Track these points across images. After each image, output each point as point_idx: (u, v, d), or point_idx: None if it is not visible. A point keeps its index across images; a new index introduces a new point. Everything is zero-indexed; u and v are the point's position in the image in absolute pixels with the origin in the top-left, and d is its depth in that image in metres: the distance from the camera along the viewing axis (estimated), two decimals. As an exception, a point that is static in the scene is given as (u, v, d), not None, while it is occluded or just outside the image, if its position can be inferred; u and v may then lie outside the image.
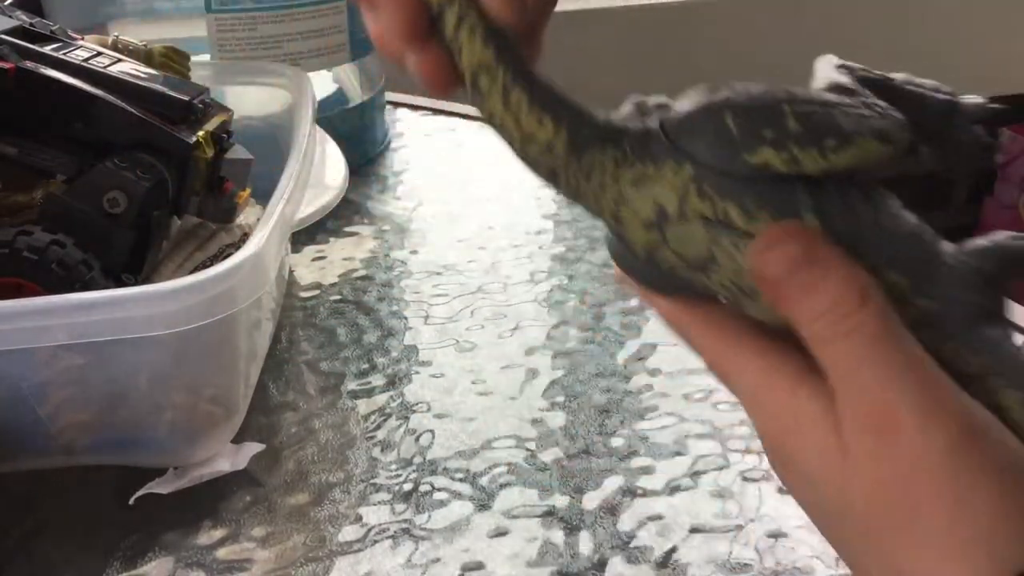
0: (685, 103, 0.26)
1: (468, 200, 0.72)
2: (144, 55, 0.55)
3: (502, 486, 0.45)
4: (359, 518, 0.43)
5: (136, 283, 0.46)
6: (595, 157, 0.26)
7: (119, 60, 0.50)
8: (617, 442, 0.47)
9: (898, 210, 0.26)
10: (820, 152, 0.25)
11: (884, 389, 0.23)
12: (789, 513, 0.42)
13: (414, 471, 0.46)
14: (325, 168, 0.61)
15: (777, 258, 0.25)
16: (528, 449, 0.47)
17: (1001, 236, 0.26)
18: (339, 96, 0.79)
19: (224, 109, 0.52)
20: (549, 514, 0.43)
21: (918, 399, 0.23)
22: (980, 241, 0.26)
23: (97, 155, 0.46)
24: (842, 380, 0.24)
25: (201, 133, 0.48)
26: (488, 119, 0.27)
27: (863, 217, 0.25)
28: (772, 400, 0.26)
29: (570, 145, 0.26)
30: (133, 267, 0.46)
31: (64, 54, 0.48)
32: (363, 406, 0.50)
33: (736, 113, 0.25)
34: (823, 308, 0.24)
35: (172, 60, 0.57)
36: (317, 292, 0.61)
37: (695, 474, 0.45)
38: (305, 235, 0.65)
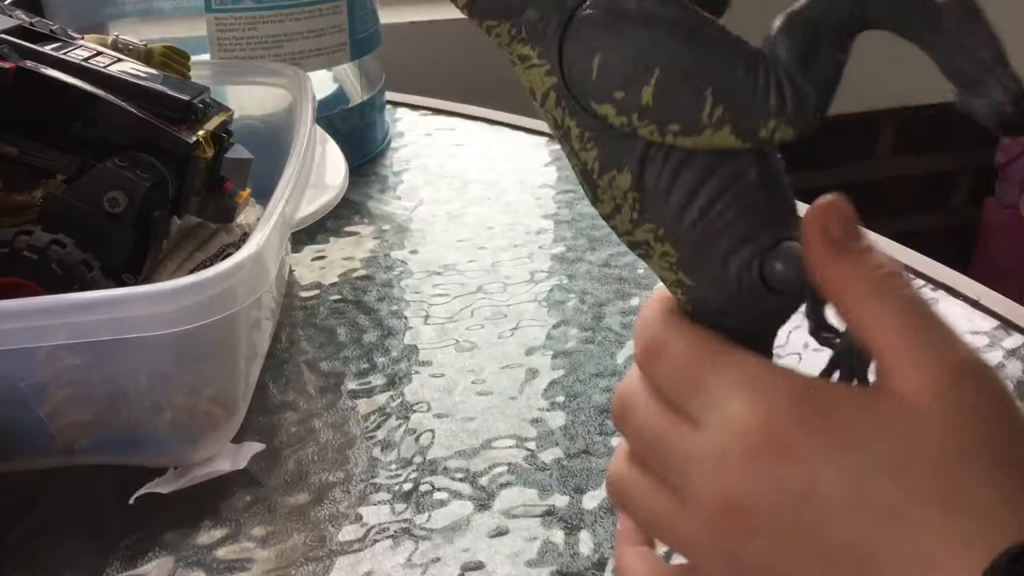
0: (592, 14, 0.27)
1: (468, 200, 0.72)
2: (143, 54, 0.55)
3: (502, 486, 0.45)
4: (359, 518, 0.43)
5: (136, 283, 0.46)
6: (498, 24, 0.28)
7: (119, 60, 0.50)
8: (617, 442, 0.47)
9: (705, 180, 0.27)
10: (659, 132, 0.26)
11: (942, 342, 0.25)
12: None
13: (414, 471, 0.46)
14: (325, 168, 0.61)
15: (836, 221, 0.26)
16: (528, 449, 0.47)
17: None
18: (339, 95, 0.79)
19: (224, 109, 0.52)
20: (549, 514, 0.43)
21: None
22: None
23: (97, 155, 0.46)
24: (901, 334, 0.25)
25: (201, 133, 0.48)
26: None
27: (673, 199, 0.27)
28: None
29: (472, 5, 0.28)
30: (133, 267, 0.46)
31: (64, 54, 0.48)
32: (363, 406, 0.50)
33: (604, 58, 0.26)
34: (876, 264, 0.25)
35: (171, 59, 0.57)
36: (317, 292, 0.61)
37: (695, 474, 0.45)
38: (305, 235, 0.65)
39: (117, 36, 0.56)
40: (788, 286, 0.27)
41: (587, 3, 0.26)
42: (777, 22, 0.26)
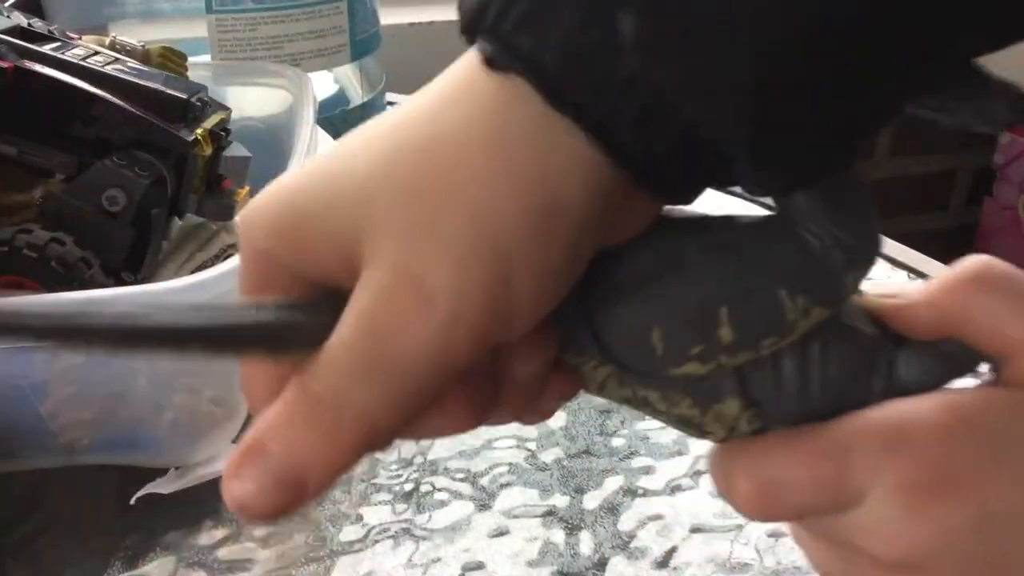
0: (613, 307, 0.25)
1: (468, 200, 0.72)
2: (141, 55, 0.56)
3: (503, 486, 0.45)
4: (360, 518, 0.43)
5: (136, 281, 0.46)
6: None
7: (117, 59, 0.50)
8: (617, 442, 0.47)
9: (834, 365, 0.25)
10: (755, 352, 0.24)
11: None
12: (790, 513, 0.42)
13: (415, 471, 0.46)
14: (325, 168, 0.61)
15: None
16: (528, 449, 0.47)
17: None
18: (340, 97, 0.79)
19: (222, 107, 0.52)
20: (549, 514, 0.43)
21: None
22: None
23: (96, 153, 0.46)
24: None
25: (199, 131, 0.48)
26: None
27: (790, 389, 0.25)
28: None
29: None
30: (132, 265, 0.46)
31: (62, 53, 0.48)
32: (364, 406, 0.50)
33: (664, 329, 0.24)
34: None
35: (169, 60, 0.57)
36: (317, 292, 0.61)
37: (695, 474, 0.45)
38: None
39: (115, 37, 0.56)
40: (931, 380, 0.25)
41: (597, 289, 0.25)
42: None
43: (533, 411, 0.27)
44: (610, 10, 0.21)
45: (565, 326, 0.25)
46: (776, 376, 0.25)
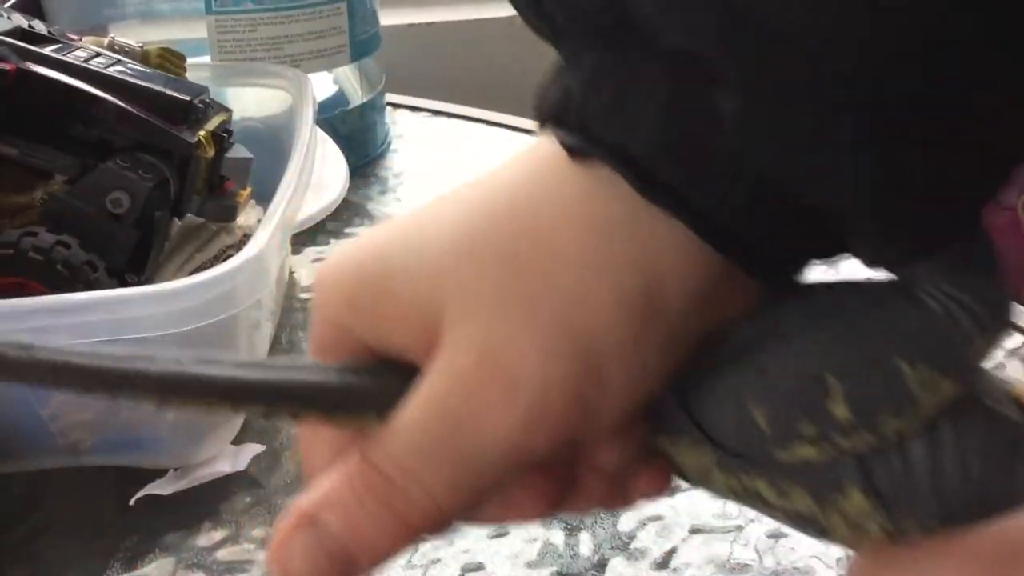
0: (709, 382, 0.22)
1: (468, 201, 0.72)
2: (140, 56, 0.56)
3: (502, 487, 0.45)
4: (359, 519, 0.43)
5: (139, 283, 0.46)
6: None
7: (118, 61, 0.50)
8: (617, 443, 0.47)
9: (970, 452, 0.21)
10: (875, 433, 0.21)
11: None
12: (789, 514, 0.42)
13: (414, 472, 0.46)
14: (325, 170, 0.61)
15: None
16: (528, 450, 0.47)
17: None
18: (339, 97, 0.79)
19: (223, 109, 0.52)
20: (549, 515, 0.43)
21: None
22: None
23: (98, 156, 0.46)
24: None
25: (202, 133, 0.48)
26: None
27: (921, 480, 0.21)
28: None
29: None
30: (136, 267, 0.47)
31: (64, 55, 0.48)
32: (363, 407, 0.50)
33: (767, 406, 0.21)
34: None
35: (168, 61, 0.57)
36: (317, 293, 0.60)
37: (695, 475, 0.45)
38: (306, 236, 0.65)
39: (113, 38, 0.56)
40: None
41: (691, 363, 0.22)
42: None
43: (617, 501, 0.25)
44: (705, 90, 0.20)
45: (656, 407, 0.23)
46: (904, 464, 0.21)
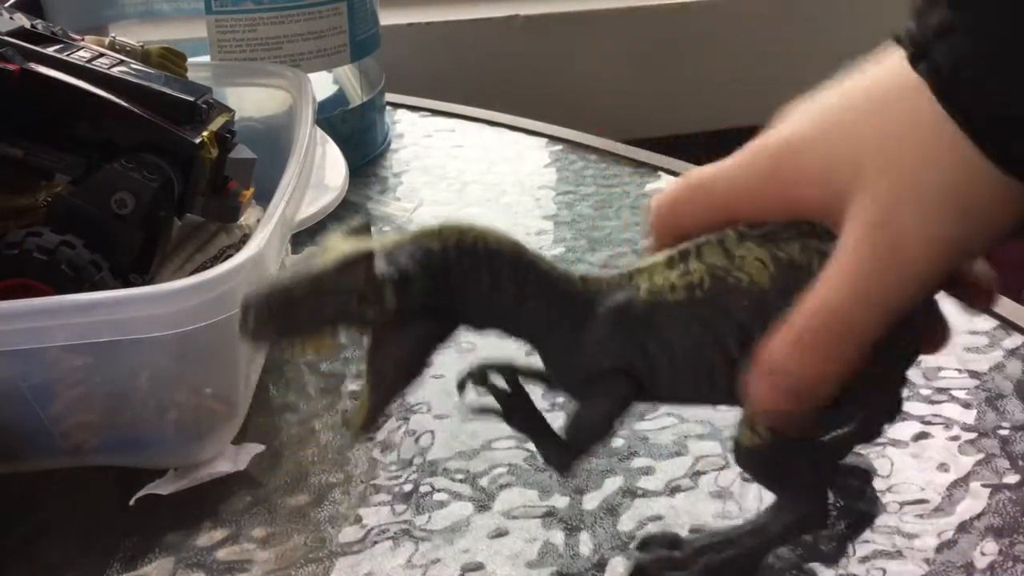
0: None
1: (468, 201, 0.72)
2: (141, 56, 0.56)
3: (502, 487, 0.45)
4: (359, 519, 0.43)
5: (144, 283, 0.47)
6: None
7: (121, 61, 0.50)
8: (617, 442, 0.47)
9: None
10: None
11: None
12: (789, 514, 0.42)
13: (414, 472, 0.46)
14: (325, 169, 0.61)
15: None
16: (528, 450, 0.47)
17: None
18: (339, 97, 0.79)
19: (226, 109, 0.52)
20: (549, 515, 0.43)
21: None
22: None
23: (102, 156, 0.46)
24: None
25: (206, 133, 0.48)
26: None
27: None
28: None
29: None
30: (141, 267, 0.47)
31: (67, 55, 0.48)
32: (363, 407, 0.50)
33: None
34: None
35: (169, 60, 0.57)
36: (317, 293, 0.61)
37: (695, 474, 0.45)
38: (305, 236, 0.65)
39: (114, 37, 0.56)
40: None
41: None
42: None
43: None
44: None
45: None
46: None
